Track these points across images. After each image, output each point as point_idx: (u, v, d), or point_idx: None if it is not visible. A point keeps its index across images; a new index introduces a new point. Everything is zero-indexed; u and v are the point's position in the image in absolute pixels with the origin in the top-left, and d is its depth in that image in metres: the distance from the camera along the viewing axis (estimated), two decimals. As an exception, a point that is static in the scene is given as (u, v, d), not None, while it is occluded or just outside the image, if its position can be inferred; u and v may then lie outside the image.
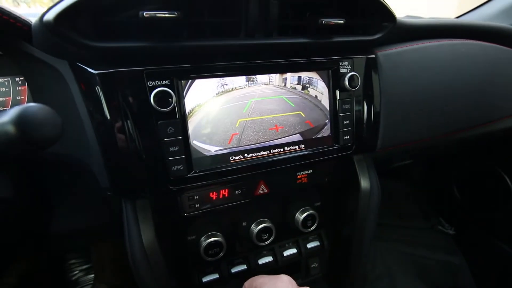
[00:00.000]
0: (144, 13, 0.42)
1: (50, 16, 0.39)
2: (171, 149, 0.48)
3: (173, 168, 0.49)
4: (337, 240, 0.78)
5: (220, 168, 0.53)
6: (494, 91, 0.80)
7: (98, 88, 0.44)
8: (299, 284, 0.51)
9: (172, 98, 0.46)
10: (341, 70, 0.60)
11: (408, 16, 0.86)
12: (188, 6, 0.44)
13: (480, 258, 1.30)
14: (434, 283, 1.18)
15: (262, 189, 0.63)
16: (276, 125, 0.57)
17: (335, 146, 0.62)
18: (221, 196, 0.59)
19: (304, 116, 0.59)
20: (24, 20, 0.45)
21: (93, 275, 1.17)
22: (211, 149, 0.53)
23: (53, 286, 1.09)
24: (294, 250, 0.73)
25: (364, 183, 0.70)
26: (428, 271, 1.20)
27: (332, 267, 0.81)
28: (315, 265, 0.80)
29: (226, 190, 0.59)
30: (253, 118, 0.55)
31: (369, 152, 0.69)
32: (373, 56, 0.64)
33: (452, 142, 0.92)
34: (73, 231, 0.70)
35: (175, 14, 0.43)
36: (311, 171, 0.66)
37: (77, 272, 1.13)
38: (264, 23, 0.50)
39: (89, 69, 0.43)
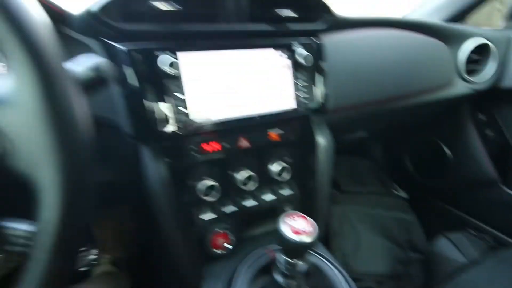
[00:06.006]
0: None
1: (95, 7, 0.58)
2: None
3: None
4: (305, 189, 0.98)
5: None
6: (408, 69, 1.07)
7: (125, 60, 0.62)
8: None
9: (173, 66, 0.64)
10: (297, 50, 0.82)
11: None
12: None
13: (427, 215, 1.56)
14: (391, 236, 1.41)
15: (243, 142, 0.82)
16: (253, 93, 0.78)
17: (295, 108, 0.84)
18: (214, 148, 0.78)
19: (273, 86, 0.80)
20: (61, 7, 0.62)
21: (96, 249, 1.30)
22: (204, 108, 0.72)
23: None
24: (273, 196, 0.93)
25: (320, 139, 0.91)
26: (386, 227, 1.43)
27: (303, 211, 1.01)
28: (288, 209, 0.99)
29: (215, 142, 0.78)
30: (236, 87, 0.75)
31: (323, 114, 0.91)
32: (320, 41, 0.87)
33: (394, 112, 1.17)
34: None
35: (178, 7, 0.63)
36: (280, 130, 0.87)
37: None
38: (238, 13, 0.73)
39: (116, 45, 0.62)
